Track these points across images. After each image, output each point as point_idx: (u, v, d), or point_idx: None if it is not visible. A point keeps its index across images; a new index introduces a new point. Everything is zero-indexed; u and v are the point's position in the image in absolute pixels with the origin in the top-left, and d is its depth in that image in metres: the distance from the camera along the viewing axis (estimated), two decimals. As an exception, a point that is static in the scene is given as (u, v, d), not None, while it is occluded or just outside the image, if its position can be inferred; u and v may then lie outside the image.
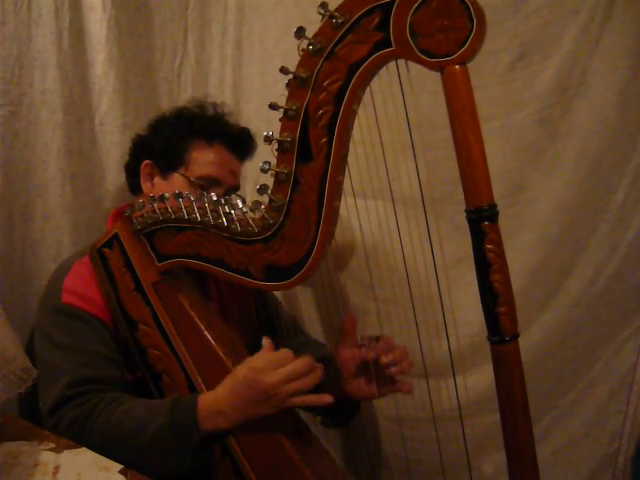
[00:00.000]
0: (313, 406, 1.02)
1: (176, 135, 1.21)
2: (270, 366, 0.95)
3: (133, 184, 1.28)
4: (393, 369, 1.08)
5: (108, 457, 0.95)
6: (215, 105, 1.27)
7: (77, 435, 0.98)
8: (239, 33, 1.53)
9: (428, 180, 1.26)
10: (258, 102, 1.52)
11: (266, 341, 0.99)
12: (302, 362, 0.96)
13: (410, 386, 1.10)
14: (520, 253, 1.33)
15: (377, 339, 1.11)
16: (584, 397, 1.42)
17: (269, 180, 0.93)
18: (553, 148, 1.31)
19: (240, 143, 1.25)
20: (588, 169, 1.31)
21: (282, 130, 0.90)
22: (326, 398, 0.99)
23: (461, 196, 0.81)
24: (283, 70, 0.87)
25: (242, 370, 0.97)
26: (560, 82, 1.27)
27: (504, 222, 1.19)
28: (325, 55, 0.85)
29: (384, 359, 1.07)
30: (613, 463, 1.44)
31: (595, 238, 1.35)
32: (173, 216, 1.01)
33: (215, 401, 0.98)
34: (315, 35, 0.84)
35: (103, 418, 0.98)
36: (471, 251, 0.83)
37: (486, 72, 1.26)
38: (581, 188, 1.32)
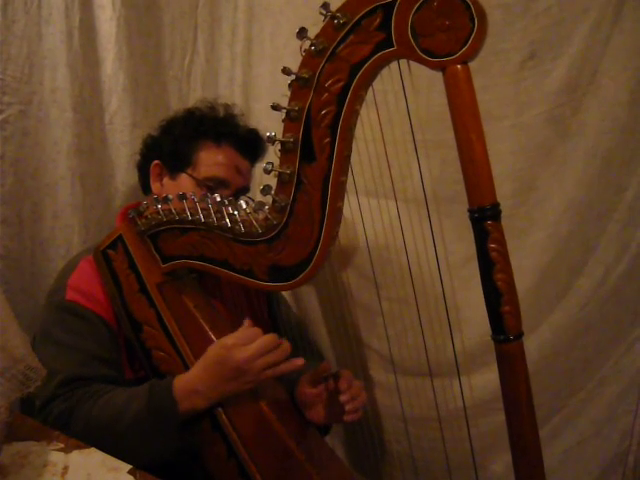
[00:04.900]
0: (287, 373, 1.02)
1: (184, 135, 1.21)
2: (240, 342, 0.97)
3: (145, 184, 1.28)
4: (349, 406, 1.10)
5: (95, 446, 0.95)
6: (226, 106, 1.27)
7: (64, 428, 0.99)
8: (249, 32, 1.53)
9: (439, 179, 1.26)
10: (268, 101, 1.49)
11: (247, 321, 1.01)
12: (270, 337, 0.98)
13: (360, 416, 1.13)
14: (530, 252, 1.32)
15: (335, 376, 1.13)
16: (594, 396, 1.42)
17: (273, 181, 0.93)
18: (563, 147, 1.31)
19: (248, 144, 1.25)
20: (598, 168, 1.30)
21: (285, 131, 0.90)
22: (297, 361, 1.00)
23: (472, 196, 0.80)
24: (285, 71, 0.87)
25: (214, 349, 0.99)
26: (570, 81, 1.27)
27: (514, 221, 1.18)
28: (327, 56, 0.85)
29: (343, 397, 1.10)
30: (623, 462, 1.44)
31: (605, 237, 1.34)
32: (177, 217, 1.02)
33: (190, 381, 0.99)
34: (317, 36, 0.85)
35: (86, 409, 1.00)
36: (482, 251, 0.83)
37: (496, 71, 1.25)
38: (591, 187, 1.31)
